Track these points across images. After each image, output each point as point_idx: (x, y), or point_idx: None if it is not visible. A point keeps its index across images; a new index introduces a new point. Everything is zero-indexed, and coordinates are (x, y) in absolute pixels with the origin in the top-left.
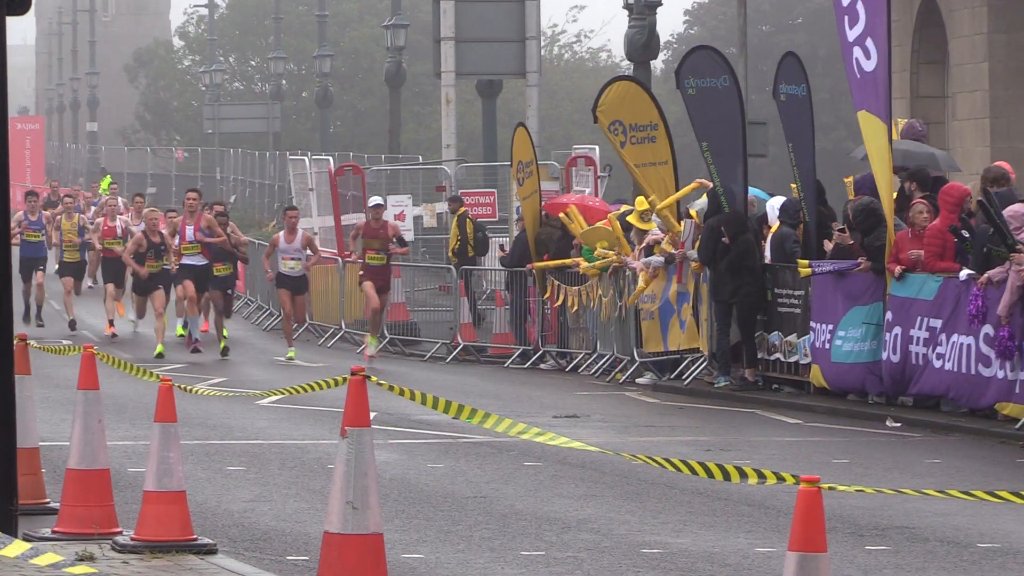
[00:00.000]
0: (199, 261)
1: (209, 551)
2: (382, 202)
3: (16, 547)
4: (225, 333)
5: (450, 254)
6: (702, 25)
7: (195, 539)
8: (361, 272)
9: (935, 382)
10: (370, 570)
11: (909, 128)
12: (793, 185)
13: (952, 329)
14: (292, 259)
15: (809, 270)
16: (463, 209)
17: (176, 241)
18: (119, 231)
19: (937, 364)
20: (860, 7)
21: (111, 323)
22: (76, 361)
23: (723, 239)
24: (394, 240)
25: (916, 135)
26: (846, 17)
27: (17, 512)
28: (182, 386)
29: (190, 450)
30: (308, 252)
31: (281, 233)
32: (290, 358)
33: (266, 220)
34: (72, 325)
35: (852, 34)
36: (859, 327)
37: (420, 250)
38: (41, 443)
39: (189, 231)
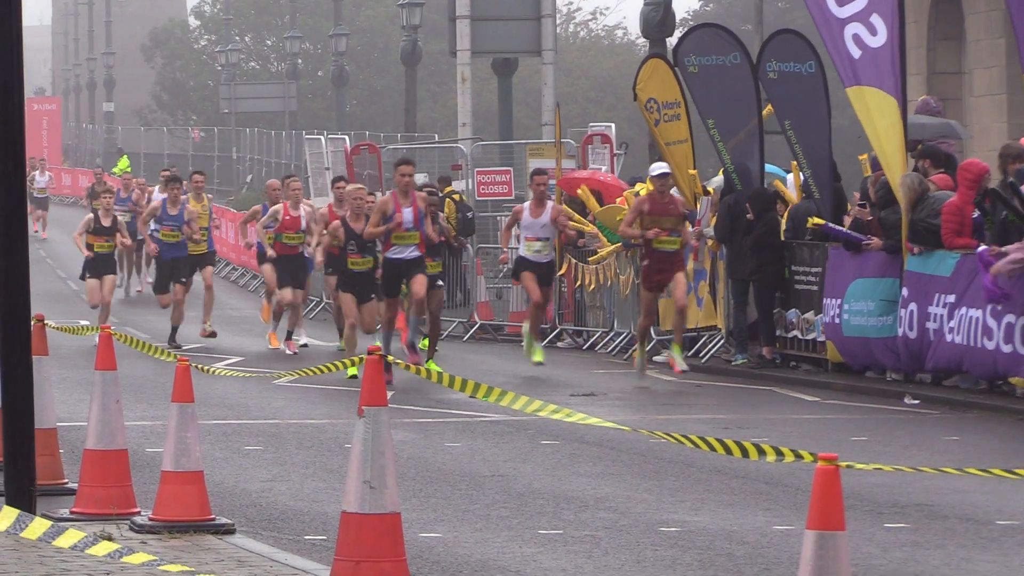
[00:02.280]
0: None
1: (227, 531)
2: (668, 169)
3: (38, 526)
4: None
5: None
6: (717, 2)
7: (213, 519)
8: (646, 261)
9: (948, 355)
10: (388, 549)
11: (924, 105)
12: (793, 163)
13: (963, 303)
14: (539, 239)
15: (821, 221)
16: (449, 189)
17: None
18: (303, 223)
19: (948, 338)
20: None
21: (278, 336)
22: (94, 341)
23: (748, 216)
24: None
25: (931, 112)
26: None
27: (36, 492)
28: (199, 366)
29: (207, 430)
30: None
31: (526, 205)
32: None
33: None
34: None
35: (845, 11)
36: (866, 300)
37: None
38: (59, 424)
39: (408, 215)
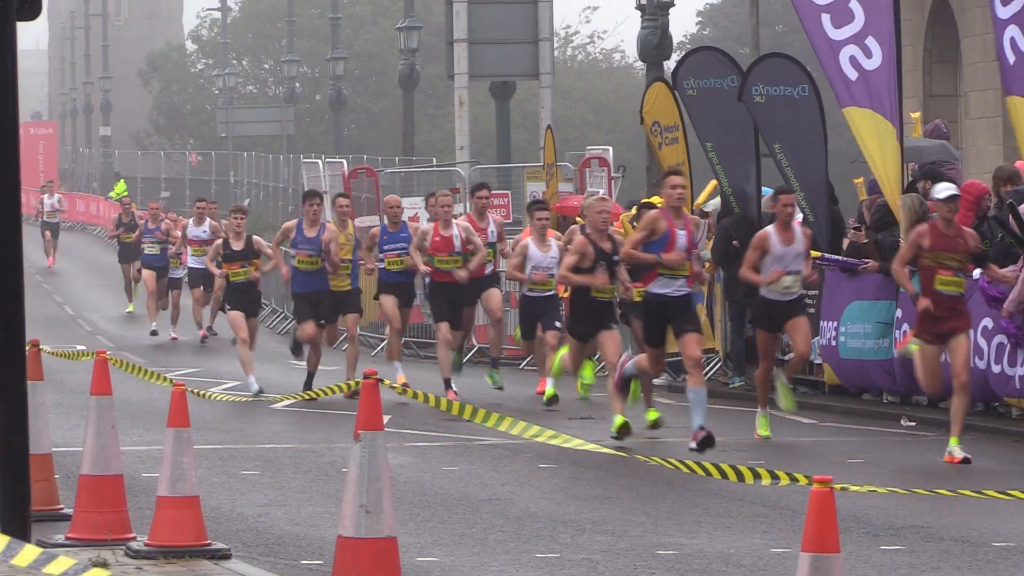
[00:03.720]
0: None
1: (223, 556)
2: (956, 191)
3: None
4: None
5: None
6: (715, 26)
7: (209, 544)
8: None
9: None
10: (384, 574)
11: (935, 129)
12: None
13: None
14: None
15: (818, 254)
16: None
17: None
18: (457, 244)
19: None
20: (855, 5)
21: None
22: (89, 366)
23: (733, 242)
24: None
25: (942, 135)
26: (826, 16)
27: (31, 518)
28: (195, 391)
29: (204, 455)
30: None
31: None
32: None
33: (280, 223)
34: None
35: (841, 33)
36: (863, 322)
37: None
38: (54, 449)
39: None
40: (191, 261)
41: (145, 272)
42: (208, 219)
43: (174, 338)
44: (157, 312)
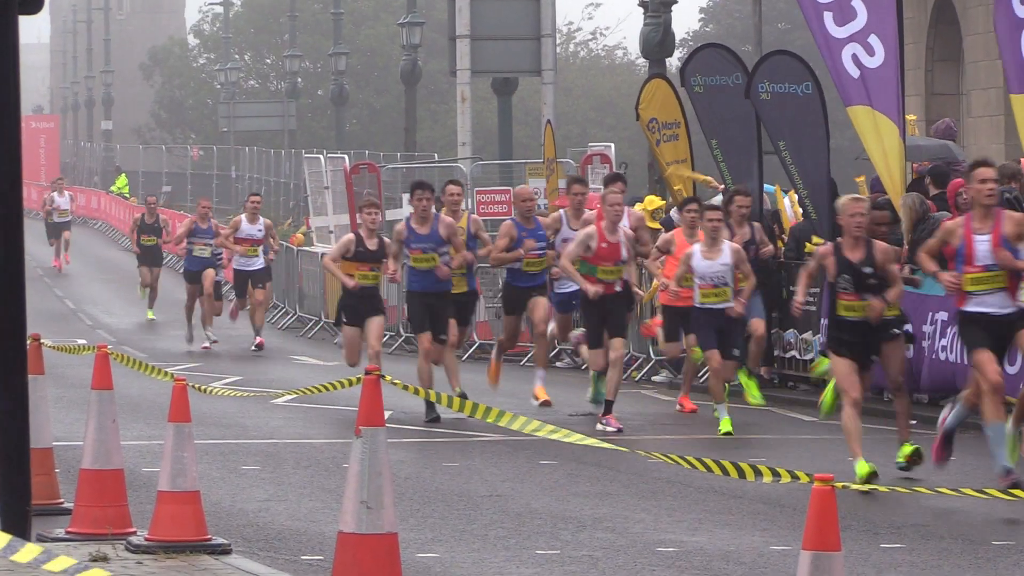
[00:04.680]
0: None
1: (223, 551)
2: None
3: (29, 551)
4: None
5: None
6: (717, 23)
7: (209, 539)
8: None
9: (941, 373)
10: (385, 570)
11: (945, 128)
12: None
13: (952, 322)
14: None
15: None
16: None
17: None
18: (624, 252)
19: (942, 356)
20: (858, 3)
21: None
22: (90, 361)
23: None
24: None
25: (950, 134)
26: (828, 14)
27: (31, 512)
28: (196, 386)
29: (204, 450)
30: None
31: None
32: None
33: (281, 218)
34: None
35: (844, 31)
36: None
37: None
38: (55, 443)
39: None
40: (238, 262)
41: (205, 273)
42: (262, 217)
43: (207, 347)
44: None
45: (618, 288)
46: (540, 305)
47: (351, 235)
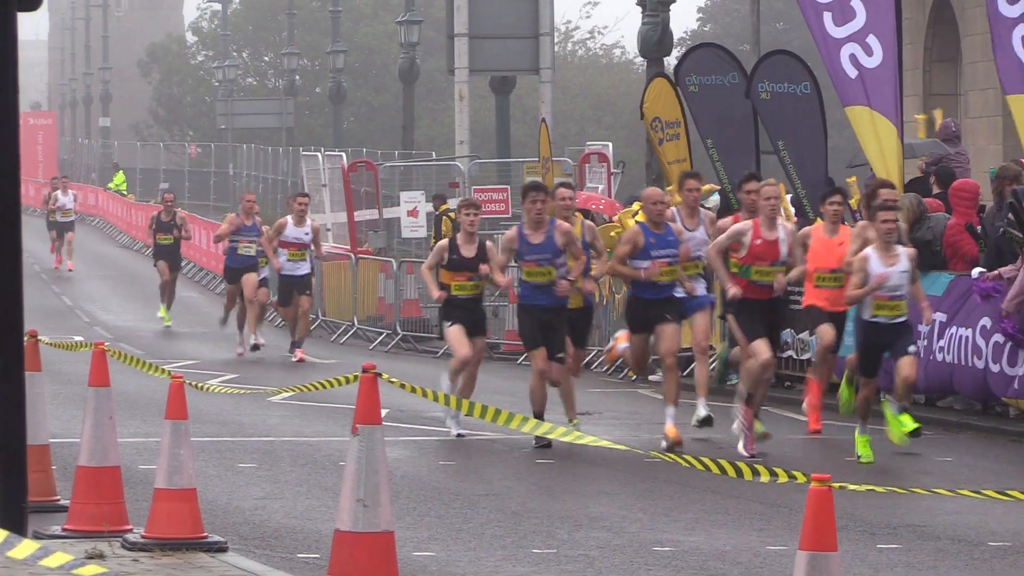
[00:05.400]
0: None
1: (220, 549)
2: None
3: (25, 547)
4: None
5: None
6: (715, 22)
7: (206, 537)
8: None
9: (938, 374)
10: (381, 568)
11: (944, 129)
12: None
13: (953, 322)
14: None
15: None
16: (445, 207)
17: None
18: (784, 250)
19: (939, 356)
20: (857, 3)
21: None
22: (87, 357)
23: None
24: None
25: (951, 135)
26: (827, 14)
27: (27, 510)
28: (194, 383)
29: (201, 447)
30: None
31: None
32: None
33: (279, 216)
34: None
35: (842, 31)
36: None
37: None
38: (52, 440)
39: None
40: (284, 267)
41: (247, 278)
42: (309, 219)
43: (244, 352)
44: (258, 324)
45: (776, 291)
46: (669, 335)
47: (445, 241)
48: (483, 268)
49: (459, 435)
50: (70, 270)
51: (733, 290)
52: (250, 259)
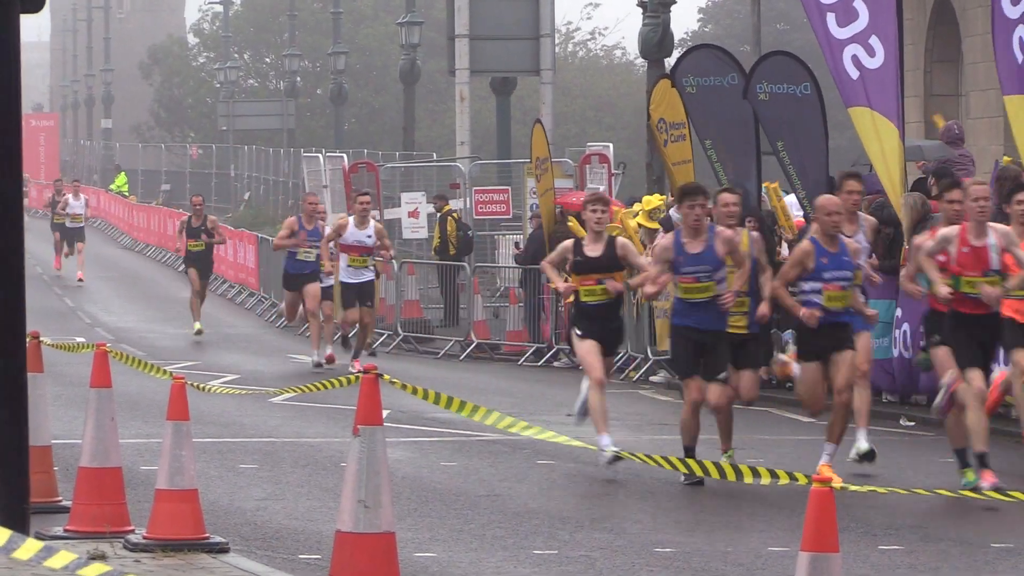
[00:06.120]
0: None
1: (221, 550)
2: None
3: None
4: None
5: (432, 253)
6: (716, 23)
7: (207, 537)
8: None
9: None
10: (382, 569)
11: (947, 130)
12: (768, 184)
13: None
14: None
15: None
16: (447, 207)
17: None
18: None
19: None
20: (859, 4)
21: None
22: (89, 359)
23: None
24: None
25: (954, 137)
26: (831, 15)
27: (29, 510)
28: (195, 384)
29: (203, 448)
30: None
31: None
32: None
33: (280, 217)
34: None
35: (845, 32)
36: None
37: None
38: (53, 441)
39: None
40: (345, 274)
41: (308, 289)
42: (373, 221)
43: (321, 363)
44: (322, 337)
45: (994, 307)
46: (846, 363)
47: (570, 241)
48: (612, 286)
49: (614, 457)
50: (80, 280)
51: (945, 291)
52: (310, 265)
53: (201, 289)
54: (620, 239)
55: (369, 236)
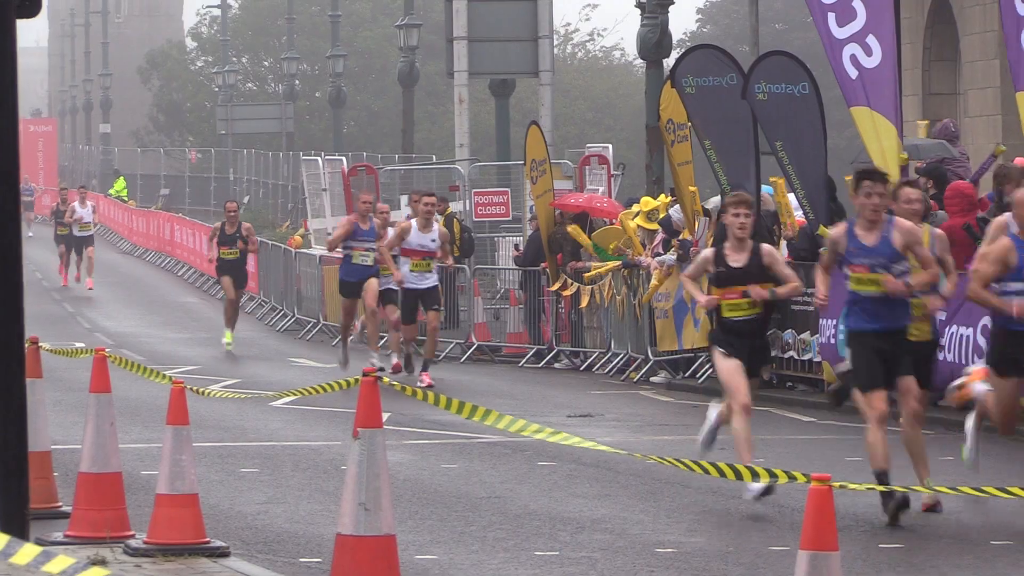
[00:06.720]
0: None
1: (222, 554)
2: None
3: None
4: None
5: None
6: (715, 23)
7: (208, 542)
8: None
9: (940, 373)
10: (383, 572)
11: (943, 129)
12: (774, 180)
13: (954, 321)
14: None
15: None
16: (449, 210)
17: None
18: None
19: (940, 356)
20: (857, 3)
21: None
22: (88, 364)
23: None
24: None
25: (950, 135)
26: (832, 15)
27: (29, 516)
28: (195, 388)
29: (203, 452)
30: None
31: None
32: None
33: (279, 221)
34: None
35: (844, 32)
36: None
37: None
38: (53, 446)
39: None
40: (411, 278)
41: (368, 284)
42: (436, 223)
43: (383, 368)
44: (379, 343)
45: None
46: None
47: (710, 251)
48: (756, 293)
49: (764, 489)
50: (90, 288)
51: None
52: (369, 269)
53: (236, 298)
54: (765, 246)
55: (433, 240)
